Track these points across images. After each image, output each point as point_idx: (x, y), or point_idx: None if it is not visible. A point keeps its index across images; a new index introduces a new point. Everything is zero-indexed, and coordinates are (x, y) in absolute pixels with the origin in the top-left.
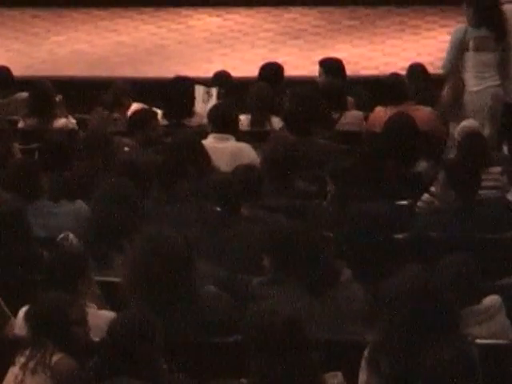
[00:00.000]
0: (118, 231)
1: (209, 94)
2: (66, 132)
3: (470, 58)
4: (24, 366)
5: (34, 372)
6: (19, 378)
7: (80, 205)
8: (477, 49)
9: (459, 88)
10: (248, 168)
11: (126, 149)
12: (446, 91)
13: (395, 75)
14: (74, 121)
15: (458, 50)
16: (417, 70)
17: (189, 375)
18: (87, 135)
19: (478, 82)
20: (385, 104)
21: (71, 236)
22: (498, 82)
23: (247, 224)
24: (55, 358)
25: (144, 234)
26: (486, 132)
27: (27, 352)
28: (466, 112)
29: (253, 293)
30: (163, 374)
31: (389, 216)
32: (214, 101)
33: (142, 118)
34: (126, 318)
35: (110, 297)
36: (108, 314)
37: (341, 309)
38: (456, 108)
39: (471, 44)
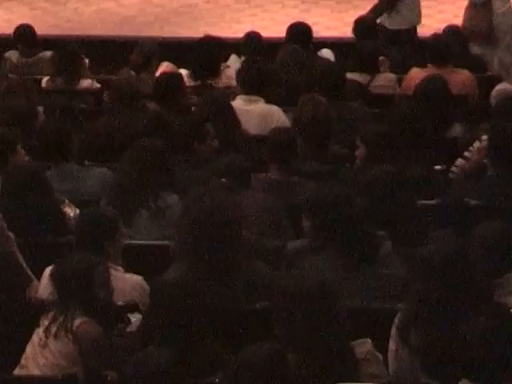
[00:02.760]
0: (145, 191)
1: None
2: (92, 93)
3: None
4: (47, 330)
5: (56, 336)
6: (43, 341)
7: (105, 170)
8: None
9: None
10: (282, 130)
11: None
12: (479, 20)
13: (438, 36)
14: (98, 85)
15: None
16: (453, 32)
17: (218, 341)
18: (113, 92)
19: (503, 5)
20: (425, 66)
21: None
22: None
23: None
24: (77, 322)
25: (194, 197)
26: None
27: (50, 315)
28: (497, 34)
29: (287, 258)
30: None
31: (412, 179)
32: None
33: (170, 83)
34: (167, 281)
35: (134, 259)
36: (135, 278)
37: (378, 286)
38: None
39: None
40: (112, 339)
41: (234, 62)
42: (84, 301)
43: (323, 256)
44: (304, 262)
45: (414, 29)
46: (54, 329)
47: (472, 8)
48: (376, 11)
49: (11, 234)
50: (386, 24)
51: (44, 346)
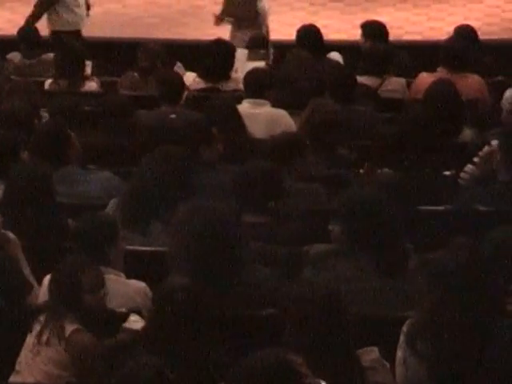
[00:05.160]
0: (161, 201)
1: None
2: (96, 96)
3: None
4: (39, 335)
5: (48, 343)
6: (35, 348)
7: (109, 174)
8: None
9: None
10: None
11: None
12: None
13: (452, 39)
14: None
15: None
16: (465, 32)
17: (223, 347)
18: (105, 100)
19: None
20: (434, 70)
21: None
22: None
23: None
24: (69, 328)
25: (191, 204)
26: None
27: (42, 319)
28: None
29: (312, 262)
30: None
31: (415, 185)
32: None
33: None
34: (174, 287)
35: (149, 266)
36: (138, 284)
37: (405, 299)
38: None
39: None
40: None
41: (240, 56)
42: (73, 306)
43: (353, 262)
44: (331, 267)
45: (78, 32)
46: (45, 335)
47: None
48: (35, 14)
49: (14, 238)
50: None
51: (37, 352)
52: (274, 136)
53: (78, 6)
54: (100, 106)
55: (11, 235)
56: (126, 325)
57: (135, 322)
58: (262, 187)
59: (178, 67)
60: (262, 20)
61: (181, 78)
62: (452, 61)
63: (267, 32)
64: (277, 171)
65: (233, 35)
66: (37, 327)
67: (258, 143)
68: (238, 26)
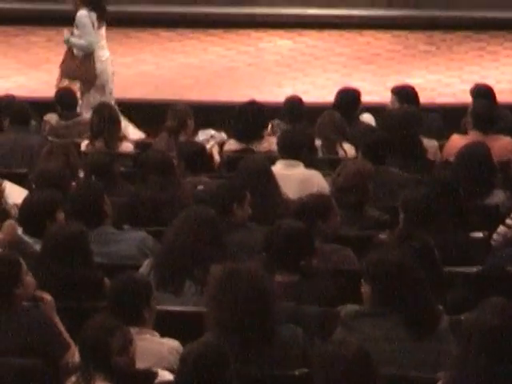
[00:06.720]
0: (194, 262)
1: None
2: (131, 156)
3: None
4: None
5: None
6: None
7: (144, 234)
8: None
9: None
10: (316, 195)
11: (200, 187)
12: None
13: (483, 102)
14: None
15: None
16: (485, 93)
17: None
18: (146, 157)
19: (104, 54)
20: (483, 132)
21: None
22: None
23: None
24: None
25: (227, 264)
26: None
27: (73, 378)
28: (102, 81)
29: (343, 322)
30: None
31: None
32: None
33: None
34: (201, 347)
35: (182, 327)
36: (171, 343)
37: (437, 360)
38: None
39: None
40: None
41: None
42: (103, 367)
43: (384, 323)
44: (362, 327)
45: None
46: None
47: (74, 57)
48: None
49: (51, 299)
50: None
51: None
52: (300, 197)
53: None
54: (140, 163)
55: (48, 297)
56: (158, 379)
57: (166, 376)
58: (294, 246)
59: (203, 133)
60: (104, 82)
61: (202, 148)
62: (483, 124)
63: (111, 94)
64: (308, 230)
65: (80, 97)
66: None
67: (291, 204)
68: (82, 87)
